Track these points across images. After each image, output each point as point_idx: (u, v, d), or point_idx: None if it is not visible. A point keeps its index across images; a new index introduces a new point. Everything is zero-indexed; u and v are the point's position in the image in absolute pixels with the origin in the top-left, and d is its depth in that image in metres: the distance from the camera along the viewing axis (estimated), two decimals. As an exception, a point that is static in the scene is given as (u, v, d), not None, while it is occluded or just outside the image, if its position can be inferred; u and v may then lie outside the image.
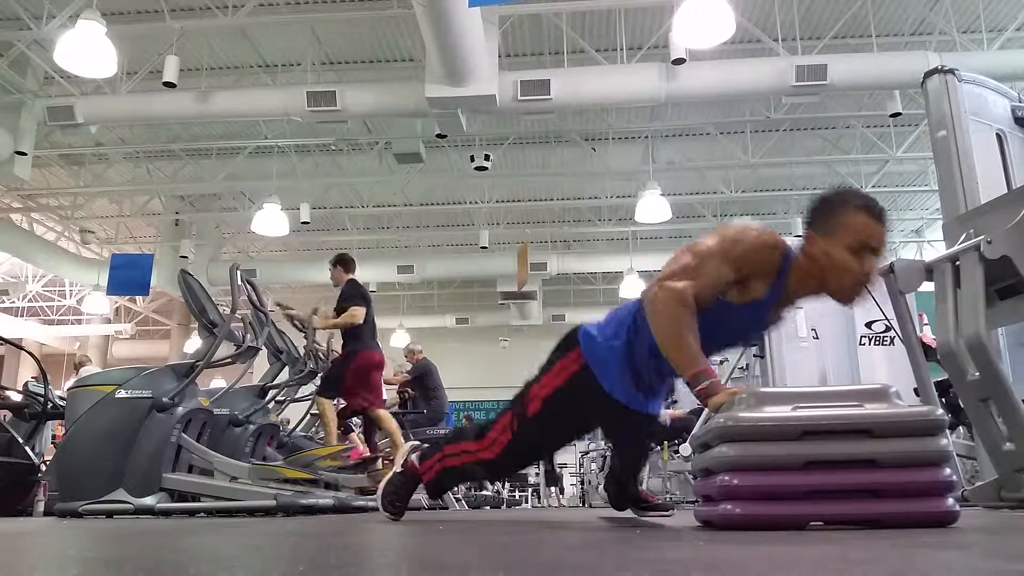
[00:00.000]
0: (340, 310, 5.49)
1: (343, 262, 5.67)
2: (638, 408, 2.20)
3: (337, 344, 5.90)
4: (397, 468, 2.60)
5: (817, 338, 4.78)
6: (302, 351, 5.39)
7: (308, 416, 6.47)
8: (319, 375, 5.83)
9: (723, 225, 2.11)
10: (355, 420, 6.25)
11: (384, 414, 5.59)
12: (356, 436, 5.56)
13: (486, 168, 9.80)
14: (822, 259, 1.96)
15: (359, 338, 5.46)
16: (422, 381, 7.88)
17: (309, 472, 4.28)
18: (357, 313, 5.35)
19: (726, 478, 1.70)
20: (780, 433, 1.68)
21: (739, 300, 2.02)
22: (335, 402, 5.65)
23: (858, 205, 1.96)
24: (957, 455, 2.73)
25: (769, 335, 2.39)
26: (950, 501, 1.68)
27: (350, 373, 5.41)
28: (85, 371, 7.69)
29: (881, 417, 1.68)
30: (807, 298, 2.10)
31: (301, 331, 5.45)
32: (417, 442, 2.92)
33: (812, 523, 1.72)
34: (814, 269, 1.99)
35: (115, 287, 6.54)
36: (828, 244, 1.96)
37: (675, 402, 8.76)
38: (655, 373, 2.17)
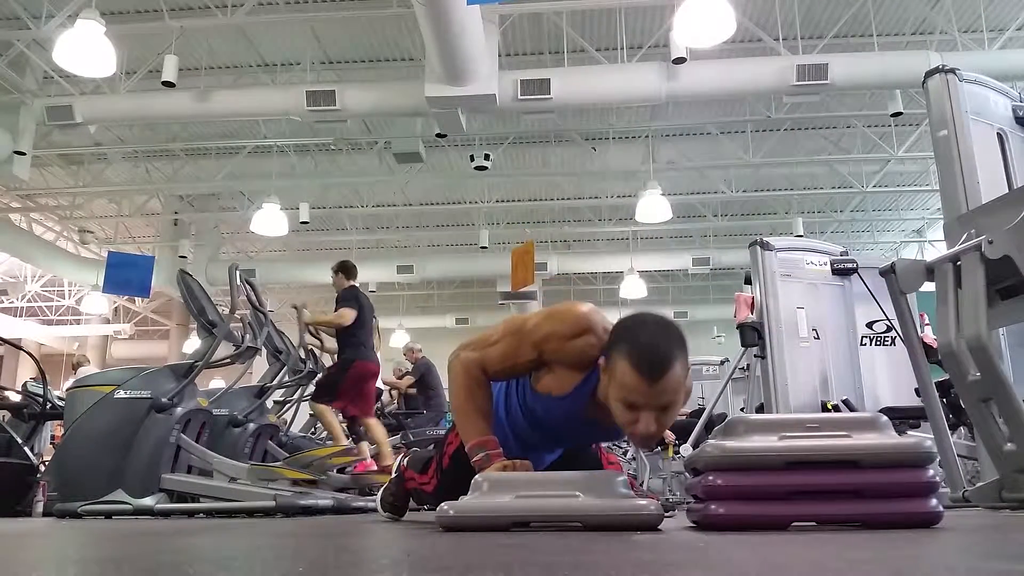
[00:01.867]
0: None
1: (344, 269, 5.68)
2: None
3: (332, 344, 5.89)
4: (393, 474, 2.67)
5: (818, 338, 4.77)
6: (297, 345, 5.38)
7: (308, 416, 6.46)
8: (317, 375, 5.83)
9: (550, 309, 1.94)
10: None
11: (374, 422, 5.55)
12: (365, 446, 5.52)
13: (486, 168, 9.80)
14: (605, 394, 1.76)
15: (355, 346, 5.44)
16: (422, 380, 7.89)
17: (310, 473, 4.27)
18: (345, 315, 5.35)
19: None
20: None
21: (548, 391, 1.90)
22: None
23: (629, 354, 1.67)
24: (958, 455, 2.73)
25: (609, 435, 2.12)
26: (933, 502, 1.69)
27: (347, 381, 5.39)
28: (83, 371, 7.68)
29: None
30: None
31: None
32: (416, 449, 3.00)
33: (800, 523, 1.73)
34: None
35: (111, 286, 6.51)
36: (608, 382, 1.73)
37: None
38: (533, 434, 2.08)
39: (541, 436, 2.10)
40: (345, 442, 5.20)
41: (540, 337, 1.86)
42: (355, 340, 5.44)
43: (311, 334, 5.98)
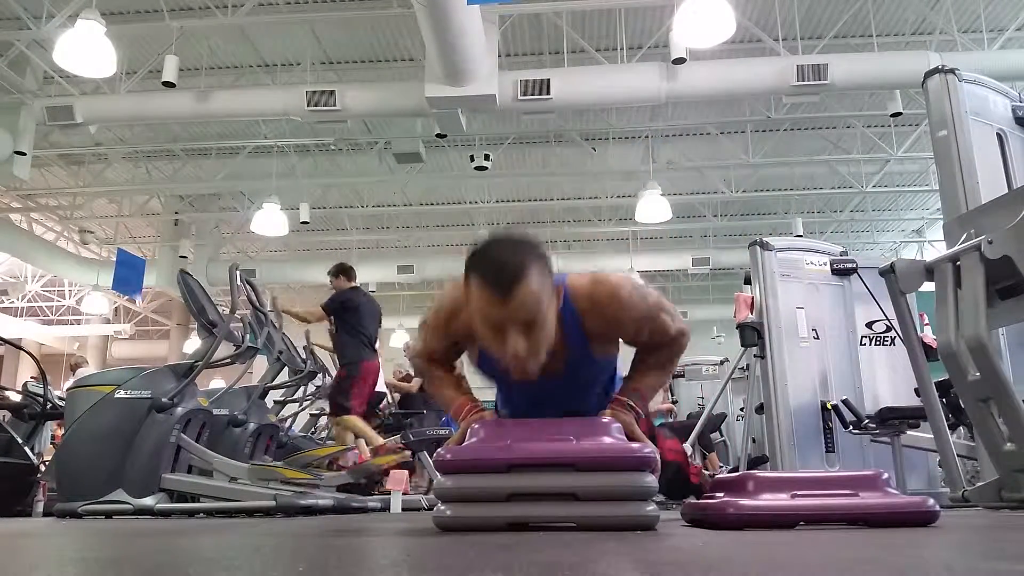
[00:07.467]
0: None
1: (341, 272, 5.69)
2: None
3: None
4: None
5: (818, 338, 4.78)
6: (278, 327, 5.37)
7: (308, 416, 6.46)
8: (317, 375, 5.82)
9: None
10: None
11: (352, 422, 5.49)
12: (363, 443, 5.50)
13: (486, 168, 9.80)
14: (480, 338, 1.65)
15: (357, 347, 5.43)
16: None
17: (310, 474, 4.27)
18: (314, 311, 5.47)
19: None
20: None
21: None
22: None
23: (475, 277, 1.56)
24: (958, 455, 2.73)
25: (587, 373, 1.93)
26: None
27: (355, 385, 5.37)
28: (82, 372, 7.67)
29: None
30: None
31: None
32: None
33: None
34: None
35: (118, 284, 6.59)
36: (476, 321, 1.62)
37: (675, 402, 8.77)
38: (519, 403, 2.07)
39: (524, 402, 2.03)
40: (380, 440, 5.15)
41: (432, 326, 1.89)
42: (357, 341, 5.44)
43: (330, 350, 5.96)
